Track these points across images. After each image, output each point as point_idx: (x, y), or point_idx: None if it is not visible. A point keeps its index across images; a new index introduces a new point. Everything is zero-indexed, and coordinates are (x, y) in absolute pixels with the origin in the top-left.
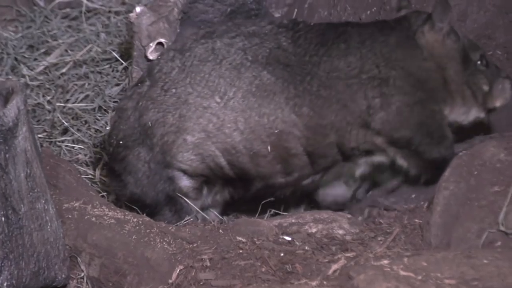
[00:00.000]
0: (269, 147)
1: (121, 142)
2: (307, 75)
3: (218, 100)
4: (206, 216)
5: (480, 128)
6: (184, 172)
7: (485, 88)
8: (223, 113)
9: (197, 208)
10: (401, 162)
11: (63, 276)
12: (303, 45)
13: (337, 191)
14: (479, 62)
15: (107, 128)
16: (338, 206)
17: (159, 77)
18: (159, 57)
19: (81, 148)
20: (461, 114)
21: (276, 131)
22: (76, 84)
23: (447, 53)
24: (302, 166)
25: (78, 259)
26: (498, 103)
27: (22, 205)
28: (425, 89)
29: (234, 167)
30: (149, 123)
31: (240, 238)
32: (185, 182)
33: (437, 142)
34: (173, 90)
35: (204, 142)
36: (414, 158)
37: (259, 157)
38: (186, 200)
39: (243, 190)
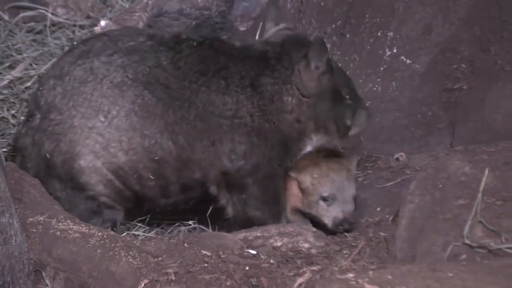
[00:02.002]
0: (150, 174)
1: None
2: (185, 101)
3: (103, 119)
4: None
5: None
6: (99, 193)
7: (348, 122)
8: (108, 132)
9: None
10: (224, 203)
11: None
12: (183, 68)
13: None
14: (347, 97)
15: None
16: None
17: (46, 108)
18: (41, 88)
19: None
20: (325, 142)
21: (156, 158)
22: None
23: (319, 92)
24: (178, 193)
25: (43, 273)
26: (353, 132)
27: None
28: (286, 146)
29: (128, 188)
30: (47, 155)
31: (205, 252)
32: (104, 199)
33: (269, 207)
34: (59, 117)
35: (95, 165)
36: (240, 208)
37: (143, 180)
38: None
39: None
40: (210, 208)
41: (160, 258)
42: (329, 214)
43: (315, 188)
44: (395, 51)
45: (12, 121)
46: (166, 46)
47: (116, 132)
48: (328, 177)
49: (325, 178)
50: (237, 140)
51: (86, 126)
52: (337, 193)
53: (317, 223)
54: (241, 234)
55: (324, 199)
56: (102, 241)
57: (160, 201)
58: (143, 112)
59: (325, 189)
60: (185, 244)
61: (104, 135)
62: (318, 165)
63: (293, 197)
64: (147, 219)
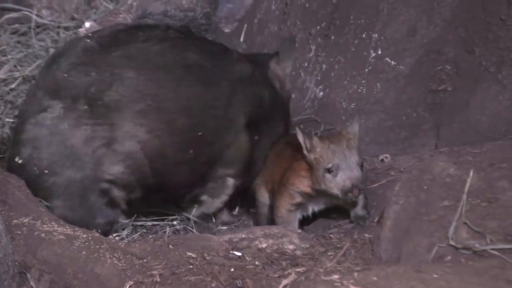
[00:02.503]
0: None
1: (46, 171)
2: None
3: (150, 102)
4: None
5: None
6: (115, 183)
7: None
8: (154, 115)
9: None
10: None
11: None
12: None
13: None
14: None
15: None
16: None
17: (75, 95)
18: (65, 75)
19: None
20: None
21: (200, 134)
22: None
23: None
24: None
25: (28, 275)
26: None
27: None
28: None
29: (159, 173)
30: (79, 142)
31: (190, 254)
32: (116, 193)
33: None
34: (100, 102)
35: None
36: None
37: (178, 164)
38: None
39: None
40: (194, 210)
41: (145, 260)
42: (337, 184)
43: (318, 163)
44: (379, 52)
45: None
46: (187, 34)
47: (164, 114)
48: (329, 149)
49: (326, 150)
50: None
51: (131, 110)
52: (340, 163)
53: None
54: (226, 236)
55: (329, 170)
56: (87, 243)
57: (181, 189)
58: (188, 94)
59: (327, 161)
60: (170, 246)
61: (151, 118)
62: (322, 141)
63: (300, 181)
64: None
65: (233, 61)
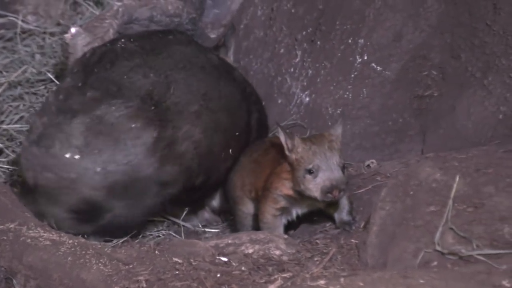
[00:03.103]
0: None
1: (103, 168)
2: None
3: (202, 102)
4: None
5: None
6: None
7: None
8: (206, 114)
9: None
10: None
11: None
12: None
13: None
14: None
15: None
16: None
17: (143, 96)
18: (125, 76)
19: (16, 170)
20: None
21: (237, 134)
22: (11, 106)
23: None
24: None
25: (14, 280)
26: None
27: None
28: None
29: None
30: (147, 142)
31: (176, 259)
32: (167, 193)
33: None
34: (164, 104)
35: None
36: None
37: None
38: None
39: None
40: (184, 213)
41: (131, 266)
42: (316, 185)
43: (299, 163)
44: (365, 58)
45: None
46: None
47: (212, 114)
48: (310, 150)
49: (307, 151)
50: None
51: (188, 111)
52: (320, 163)
53: (309, 198)
54: (212, 241)
55: (309, 171)
56: (72, 249)
57: (216, 188)
58: (226, 93)
59: (308, 161)
60: (156, 252)
61: (203, 118)
62: (303, 142)
63: (283, 184)
64: None
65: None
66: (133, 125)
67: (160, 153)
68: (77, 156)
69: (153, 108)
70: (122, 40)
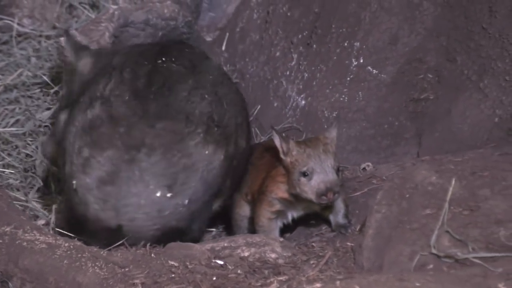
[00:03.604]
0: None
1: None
2: None
3: (226, 106)
4: None
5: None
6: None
7: None
8: (227, 117)
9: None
10: None
11: None
12: None
13: None
14: None
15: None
16: None
17: (206, 120)
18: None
19: (11, 173)
20: None
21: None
22: (6, 109)
23: None
24: None
25: (10, 284)
26: None
27: None
28: None
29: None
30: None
31: (172, 262)
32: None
33: None
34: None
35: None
36: None
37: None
38: None
39: None
40: None
41: (127, 269)
42: (311, 188)
43: (294, 166)
44: (361, 61)
45: None
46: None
47: (245, 122)
48: (305, 152)
49: (302, 154)
50: None
51: (236, 124)
52: (315, 166)
53: (305, 200)
54: (208, 245)
55: (304, 174)
56: (68, 252)
57: None
58: (240, 99)
59: (303, 164)
60: (152, 255)
61: (244, 129)
62: (298, 145)
63: (278, 187)
64: None
65: None
66: (206, 152)
67: (224, 171)
68: (169, 195)
69: (216, 129)
70: (163, 59)
